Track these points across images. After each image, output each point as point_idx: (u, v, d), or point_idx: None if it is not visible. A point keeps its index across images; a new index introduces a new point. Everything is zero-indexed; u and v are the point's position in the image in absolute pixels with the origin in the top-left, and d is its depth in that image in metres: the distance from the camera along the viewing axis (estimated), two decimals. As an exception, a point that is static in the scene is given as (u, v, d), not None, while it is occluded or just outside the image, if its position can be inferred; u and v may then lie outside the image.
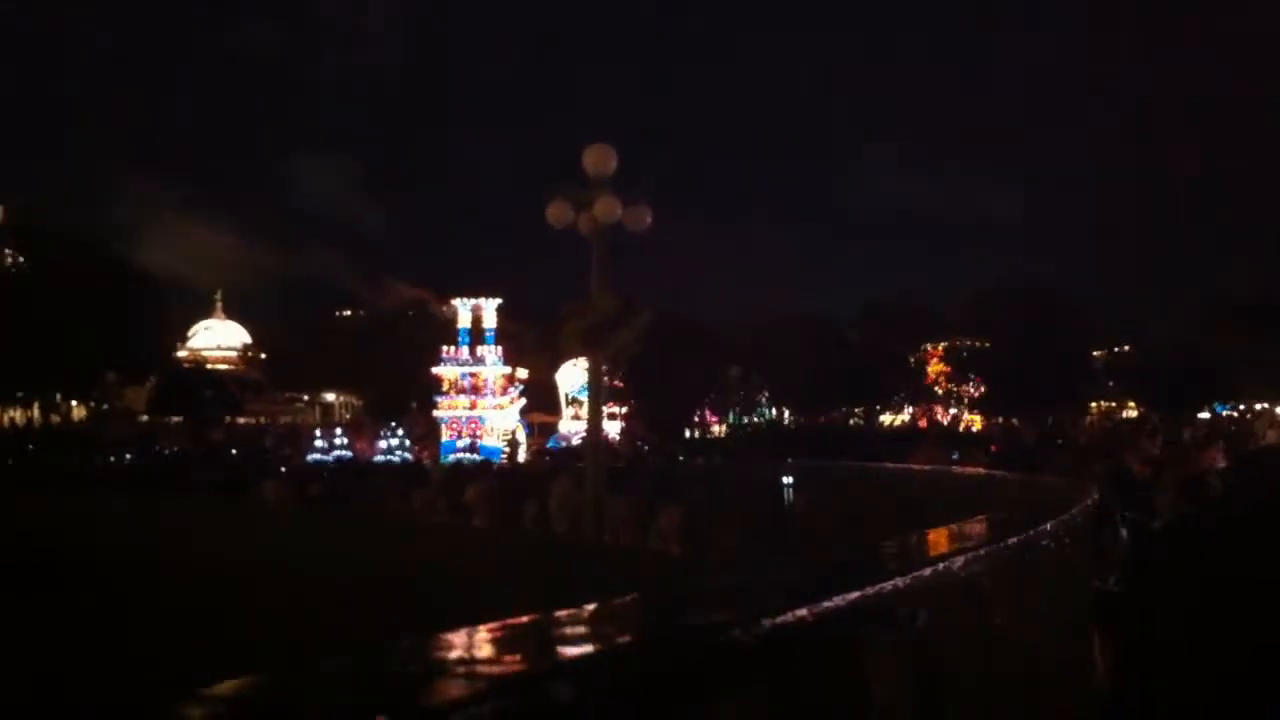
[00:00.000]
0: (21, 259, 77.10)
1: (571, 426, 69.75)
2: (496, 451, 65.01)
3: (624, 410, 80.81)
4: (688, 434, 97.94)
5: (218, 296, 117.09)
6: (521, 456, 64.91)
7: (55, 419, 79.35)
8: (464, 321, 69.50)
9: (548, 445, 69.16)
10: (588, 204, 17.08)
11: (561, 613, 1.85)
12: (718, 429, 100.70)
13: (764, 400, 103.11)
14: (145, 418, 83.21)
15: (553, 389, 72.39)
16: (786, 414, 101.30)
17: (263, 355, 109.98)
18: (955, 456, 32.76)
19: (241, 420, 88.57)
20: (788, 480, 27.09)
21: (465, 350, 69.27)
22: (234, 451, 61.90)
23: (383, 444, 66.81)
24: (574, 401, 70.85)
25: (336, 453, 62.78)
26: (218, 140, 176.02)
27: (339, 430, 70.64)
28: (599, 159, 17.12)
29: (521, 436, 69.93)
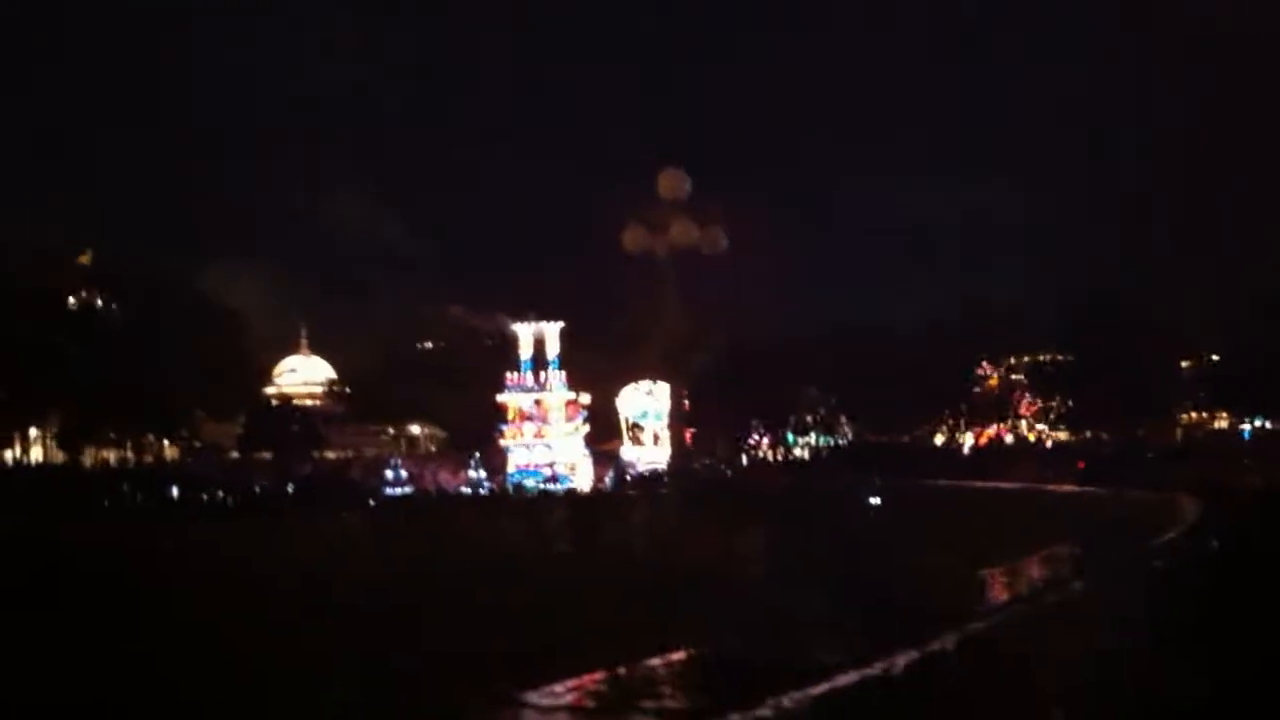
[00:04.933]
0: (111, 302, 78.90)
1: (633, 452, 69.06)
2: (564, 479, 64.86)
3: (692, 433, 79.97)
4: (769, 455, 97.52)
5: (303, 333, 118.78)
6: (588, 484, 64.57)
7: (147, 459, 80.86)
8: (526, 347, 69.04)
9: (609, 473, 68.40)
10: (663, 228, 17.07)
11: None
12: (800, 451, 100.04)
13: (844, 420, 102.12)
14: (235, 454, 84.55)
15: (613, 415, 71.59)
16: (857, 432, 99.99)
17: (347, 389, 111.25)
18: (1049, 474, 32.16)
19: (330, 455, 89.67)
20: (874, 501, 26.73)
21: (529, 376, 68.69)
22: (319, 487, 62.64)
23: (471, 474, 66.88)
24: (634, 427, 70.19)
25: (403, 486, 63.00)
26: (276, 175, 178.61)
27: (398, 462, 70.84)
28: (673, 183, 17.13)
29: (588, 465, 69.20)
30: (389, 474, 64.85)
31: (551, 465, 66.46)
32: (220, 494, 57.61)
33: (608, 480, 66.23)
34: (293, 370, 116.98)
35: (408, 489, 62.03)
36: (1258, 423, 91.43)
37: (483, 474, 66.75)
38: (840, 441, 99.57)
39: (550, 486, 60.76)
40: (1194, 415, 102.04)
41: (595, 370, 73.31)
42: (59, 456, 77.07)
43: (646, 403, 69.23)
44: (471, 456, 71.24)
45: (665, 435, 68.67)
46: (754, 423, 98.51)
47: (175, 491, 58.72)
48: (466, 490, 63.21)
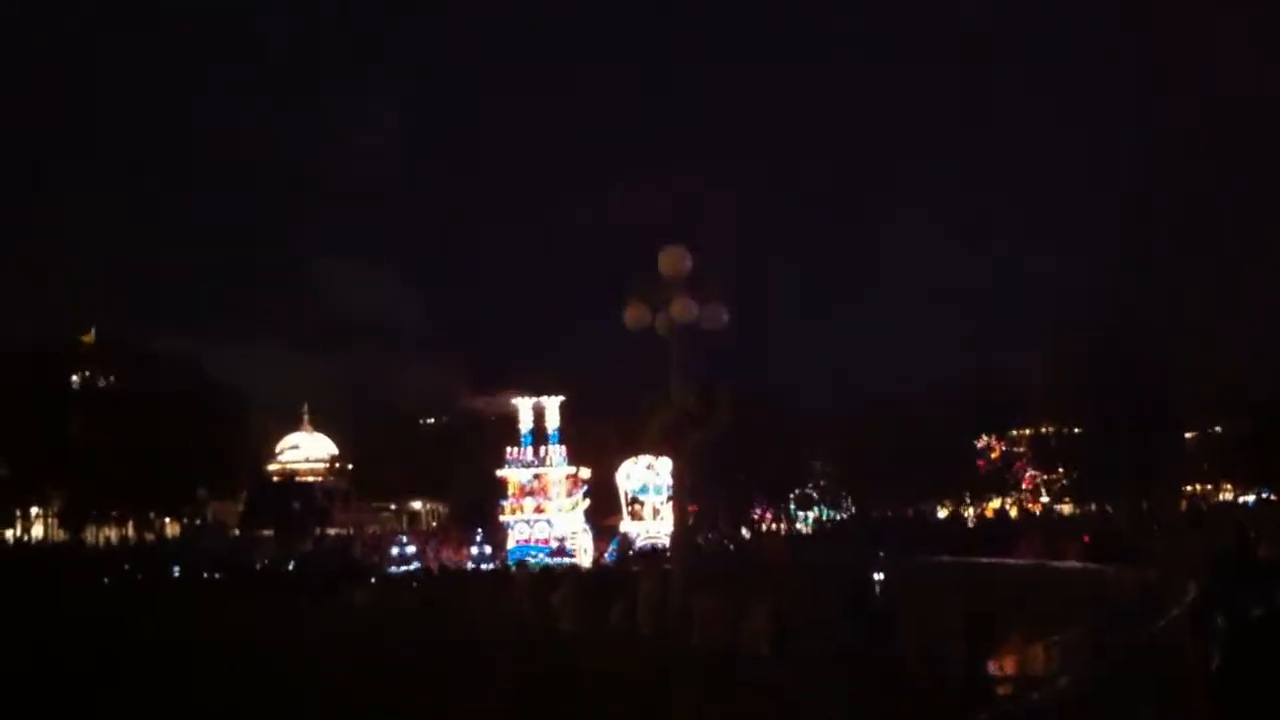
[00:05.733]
0: (114, 380, 79.18)
1: (633, 527, 68.60)
2: (570, 553, 64.54)
3: (695, 507, 79.00)
4: (772, 529, 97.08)
5: (304, 410, 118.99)
6: (589, 559, 64.14)
7: (149, 536, 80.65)
8: (526, 421, 69.00)
9: (610, 547, 67.92)
10: (665, 304, 17.20)
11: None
12: (802, 525, 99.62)
13: (845, 495, 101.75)
14: (237, 532, 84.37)
15: (614, 489, 71.16)
16: (860, 505, 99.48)
17: (350, 465, 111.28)
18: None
19: (331, 531, 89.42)
20: (878, 576, 26.61)
21: (529, 451, 68.57)
22: (320, 564, 62.23)
23: (475, 550, 66.50)
24: (634, 501, 69.76)
25: (409, 564, 62.59)
26: (277, 247, 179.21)
27: (405, 539, 70.42)
28: (674, 260, 17.30)
29: (588, 540, 68.77)
30: (395, 551, 64.47)
31: (562, 540, 66.06)
32: (216, 573, 57.17)
33: (608, 555, 65.83)
34: (295, 447, 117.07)
35: (413, 566, 61.67)
36: (1263, 494, 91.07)
37: (488, 550, 66.32)
38: (844, 515, 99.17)
39: (554, 561, 60.40)
40: (1198, 487, 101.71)
41: (597, 443, 73.09)
42: (60, 535, 76.95)
43: (647, 477, 68.82)
44: (476, 532, 70.86)
45: (666, 510, 68.40)
46: (757, 496, 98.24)
47: (176, 570, 58.37)
48: (470, 566, 62.78)
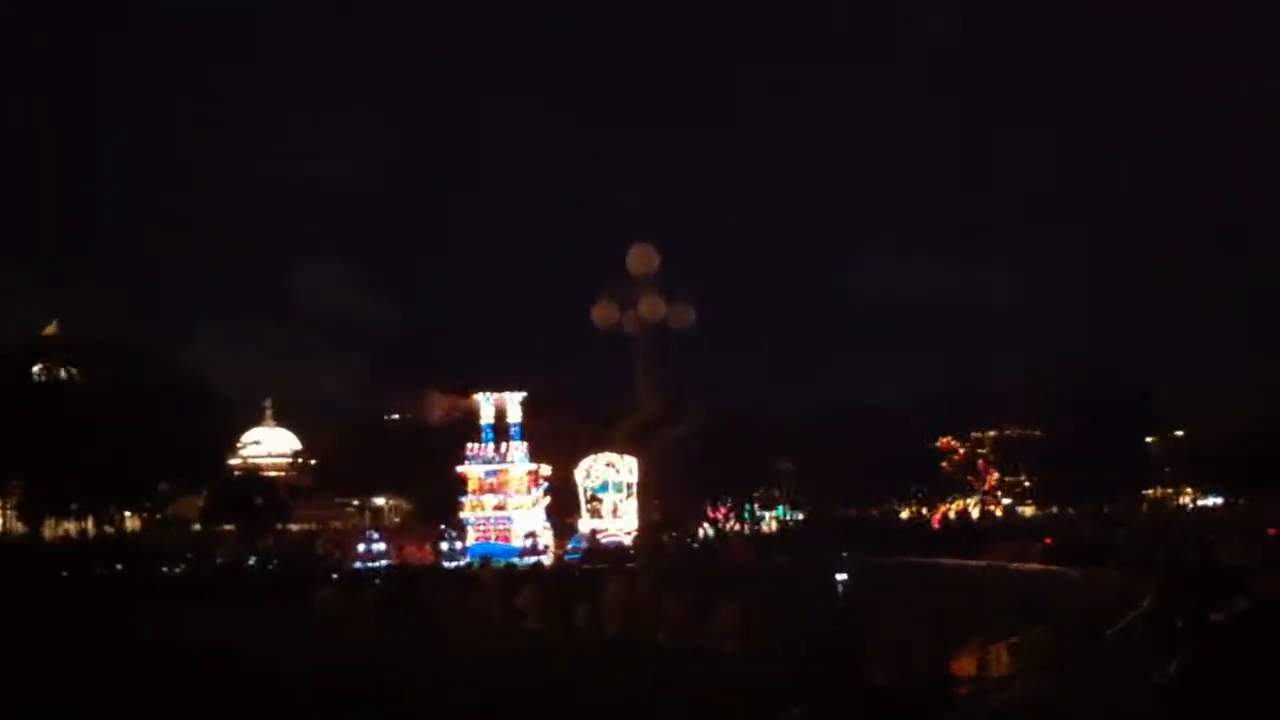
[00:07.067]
0: (75, 372, 78.26)
1: (591, 525, 68.36)
2: (539, 550, 64.27)
3: (659, 506, 79.09)
4: (736, 529, 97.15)
5: (268, 404, 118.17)
6: (549, 558, 63.90)
7: (109, 530, 79.84)
8: (487, 417, 68.58)
9: (570, 545, 67.65)
10: (633, 303, 17.20)
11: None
12: (765, 525, 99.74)
13: (809, 496, 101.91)
14: (198, 527, 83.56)
15: (572, 485, 70.86)
16: (825, 506, 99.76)
17: (313, 461, 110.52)
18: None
19: (294, 527, 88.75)
20: (841, 577, 26.69)
21: (490, 447, 68.20)
22: (282, 560, 61.62)
23: (445, 546, 65.95)
24: (594, 498, 69.56)
25: (378, 560, 62.02)
26: (238, 254, 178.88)
27: (375, 535, 69.84)
28: (643, 259, 17.32)
29: (549, 537, 68.43)
30: (363, 547, 63.90)
31: (534, 537, 65.63)
32: (177, 568, 56.54)
33: (568, 554, 65.53)
34: (257, 442, 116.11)
35: (383, 563, 61.08)
36: (1226, 499, 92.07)
37: (459, 546, 65.75)
38: (808, 515, 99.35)
39: (520, 560, 60.12)
40: (1159, 491, 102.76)
41: (563, 440, 72.79)
42: (19, 527, 76.07)
43: (607, 474, 68.72)
44: (442, 529, 70.41)
45: (626, 508, 68.27)
46: (721, 495, 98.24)
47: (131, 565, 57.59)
48: (439, 564, 62.31)
